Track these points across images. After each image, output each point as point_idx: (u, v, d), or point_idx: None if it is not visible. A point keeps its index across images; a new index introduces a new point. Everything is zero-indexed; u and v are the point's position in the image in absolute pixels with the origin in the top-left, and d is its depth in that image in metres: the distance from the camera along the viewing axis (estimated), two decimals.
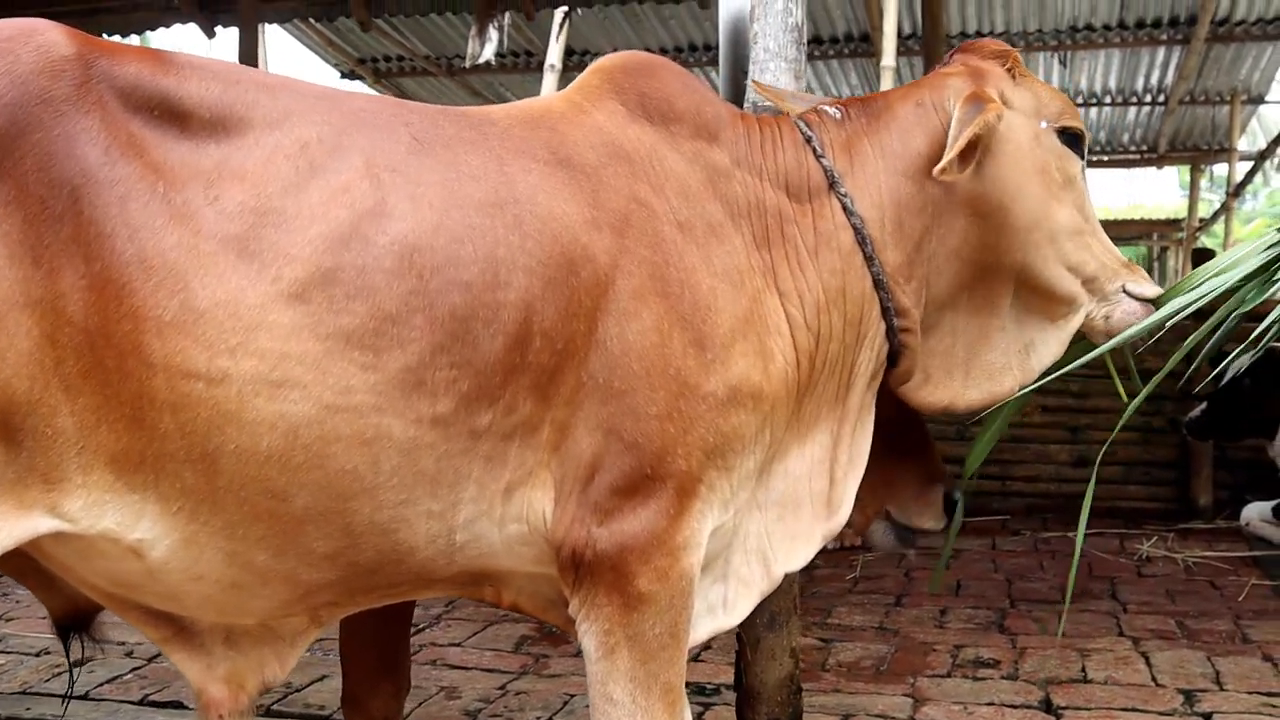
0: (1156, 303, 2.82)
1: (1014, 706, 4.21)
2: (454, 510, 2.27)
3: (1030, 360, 2.83)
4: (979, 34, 11.56)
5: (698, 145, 2.58)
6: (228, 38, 10.03)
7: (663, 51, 12.28)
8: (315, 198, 2.16)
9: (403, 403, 2.16)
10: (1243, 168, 15.18)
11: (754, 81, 3.18)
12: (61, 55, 2.07)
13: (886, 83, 7.15)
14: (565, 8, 9.79)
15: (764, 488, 2.62)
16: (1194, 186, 16.61)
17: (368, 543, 2.22)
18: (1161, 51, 11.91)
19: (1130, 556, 6.73)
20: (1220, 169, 16.64)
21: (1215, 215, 17.09)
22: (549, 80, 10.52)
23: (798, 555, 2.69)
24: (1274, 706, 4.16)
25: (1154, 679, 4.50)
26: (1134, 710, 4.15)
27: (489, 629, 5.28)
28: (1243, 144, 15.04)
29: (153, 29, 9.64)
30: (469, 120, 2.44)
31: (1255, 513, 7.05)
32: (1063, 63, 12.17)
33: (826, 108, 2.81)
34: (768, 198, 2.61)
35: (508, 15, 9.61)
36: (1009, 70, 2.79)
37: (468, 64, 9.57)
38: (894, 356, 2.75)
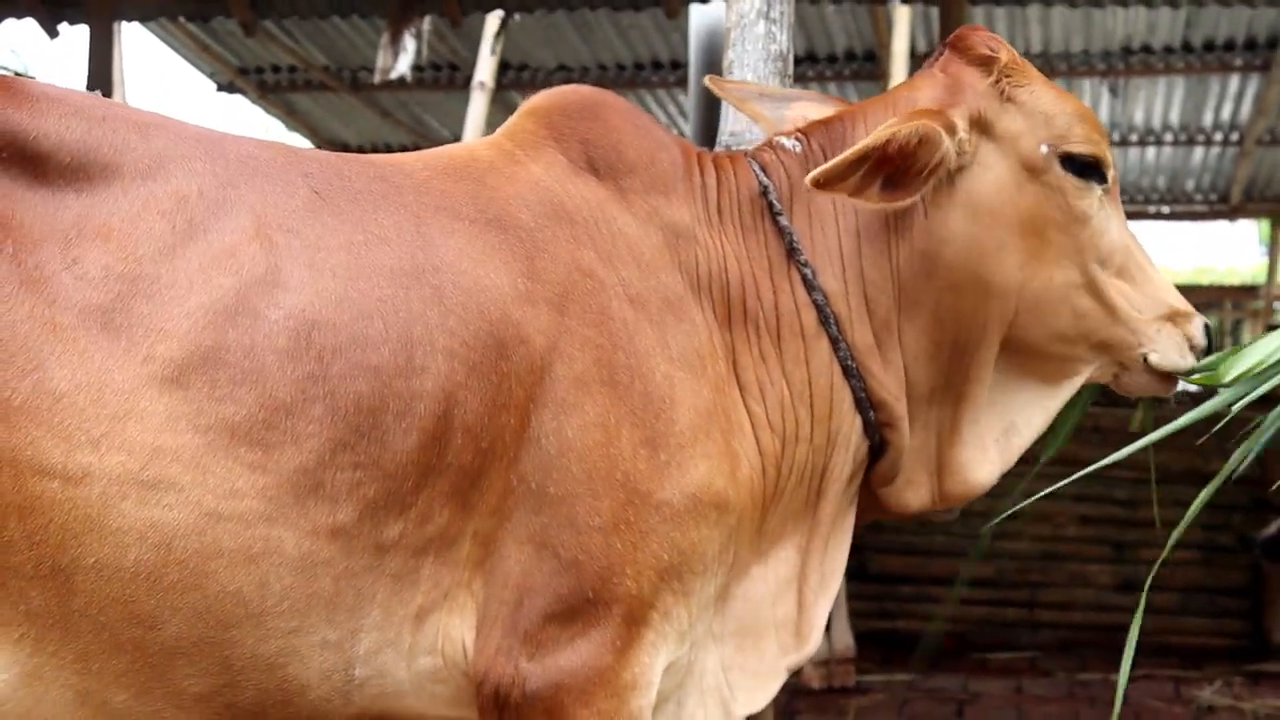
0: (1186, 376, 2.91)
1: None
2: (353, 640, 2.36)
3: (1011, 443, 2.92)
4: None
5: (653, 201, 2.70)
6: (74, 37, 10.09)
7: (620, 69, 12.50)
8: (195, 263, 2.27)
9: (297, 511, 2.26)
10: None
11: (709, 77, 3.24)
12: None
13: None
14: (500, 12, 9.98)
15: (721, 615, 2.72)
16: (1275, 244, 16.80)
17: (249, 680, 2.31)
18: (1235, 80, 12.13)
19: (1187, 705, 6.87)
20: None
21: None
22: (478, 101, 10.70)
23: (760, 694, 2.79)
24: None
25: None
26: None
27: None
28: None
29: None
30: (378, 170, 2.57)
31: None
32: (1113, 91, 12.41)
33: (784, 140, 2.89)
34: (729, 265, 2.73)
35: (427, 21, 9.76)
36: (996, 81, 2.81)
37: (377, 79, 9.71)
38: (873, 454, 2.85)
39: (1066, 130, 2.81)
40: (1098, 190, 2.84)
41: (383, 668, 2.42)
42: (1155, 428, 2.98)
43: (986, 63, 2.82)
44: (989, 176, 2.76)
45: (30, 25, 9.66)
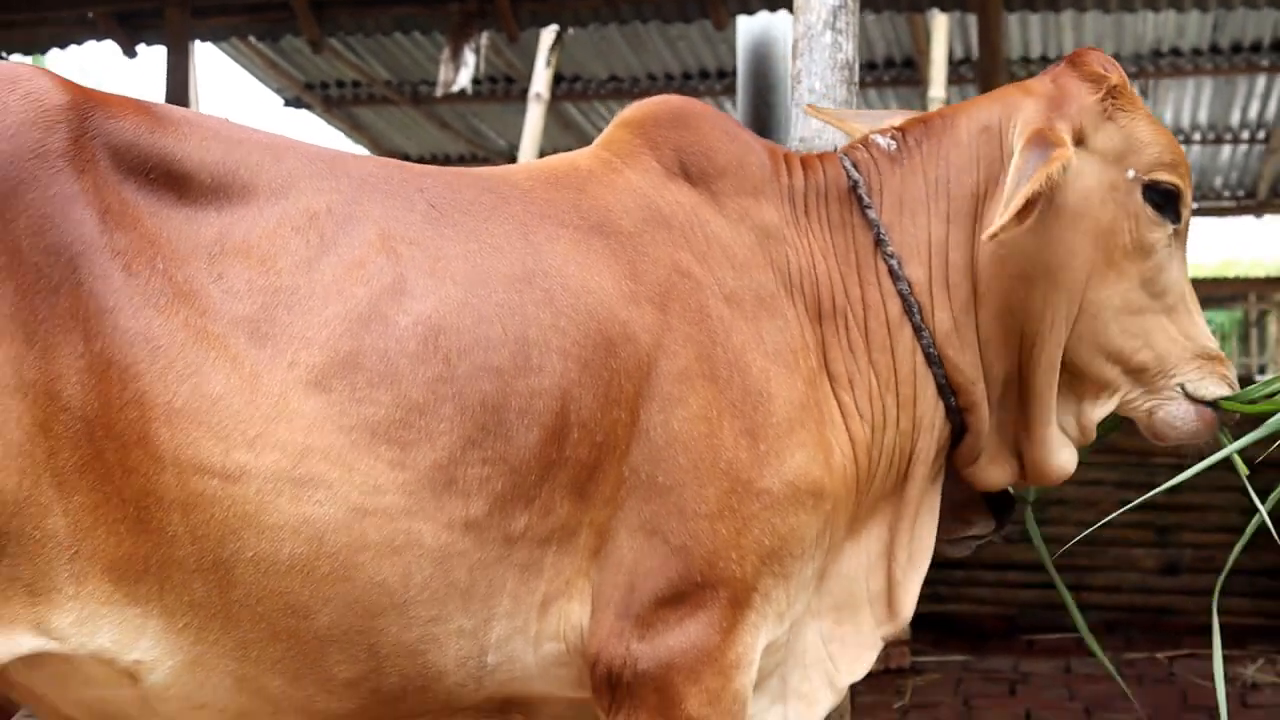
0: (1217, 405, 2.85)
1: None
2: (486, 627, 2.43)
3: (1066, 438, 2.92)
4: (1044, 59, 11.82)
5: (743, 203, 2.76)
6: (151, 57, 10.23)
7: (669, 79, 12.56)
8: (329, 274, 2.34)
9: (434, 505, 2.32)
10: None
11: (808, 106, 3.33)
12: (55, 105, 2.24)
13: None
14: (555, 27, 10.06)
15: (819, 593, 2.78)
16: None
17: (393, 666, 2.37)
18: (1262, 80, 12.16)
19: (1232, 682, 6.87)
20: None
21: None
22: (534, 111, 10.79)
23: (860, 664, 2.85)
24: None
25: None
26: None
27: None
28: None
29: (62, 46, 9.86)
30: (486, 183, 2.64)
31: None
32: (1144, 93, 12.41)
33: (878, 138, 2.93)
34: (818, 261, 2.78)
35: (485, 36, 9.85)
36: (1102, 100, 2.80)
37: (440, 92, 9.81)
38: (956, 435, 2.89)
39: (1154, 161, 2.81)
40: (1169, 228, 2.82)
41: (512, 654, 2.48)
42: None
43: (1097, 80, 2.81)
44: (1077, 184, 2.76)
45: (107, 48, 9.81)
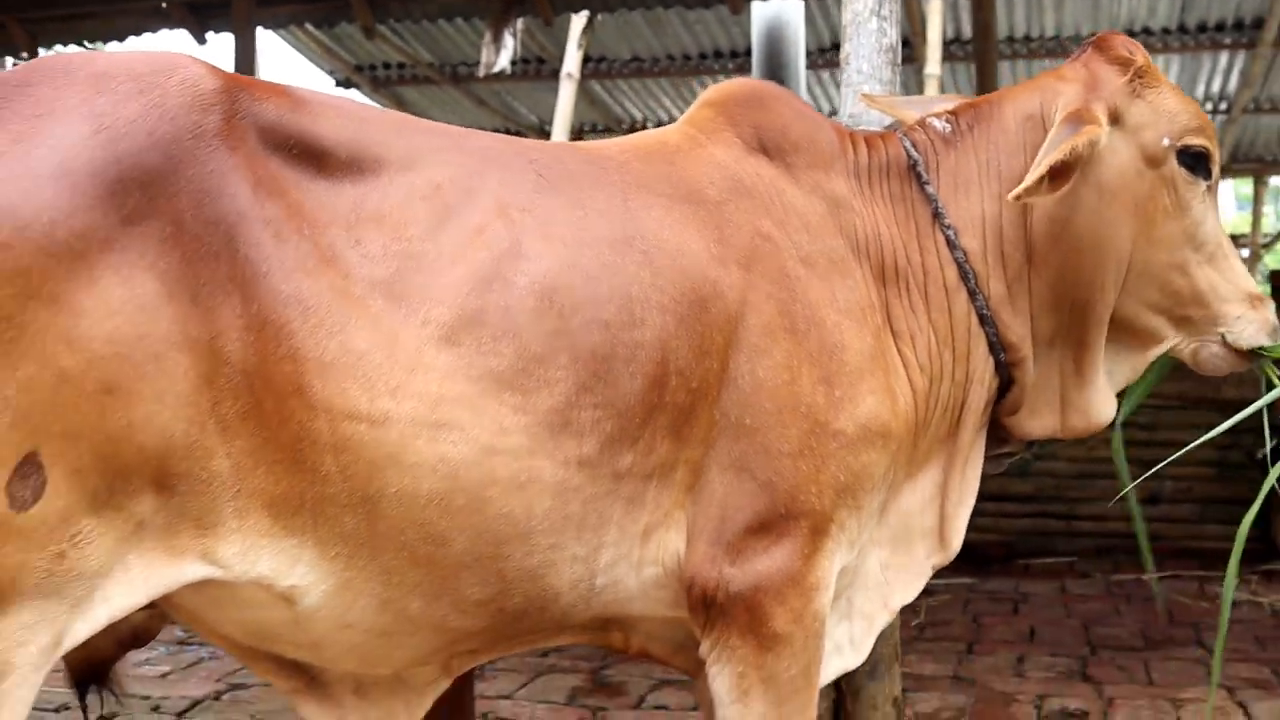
0: (1257, 353, 2.91)
1: None
2: (596, 554, 2.47)
3: (1111, 384, 2.98)
4: (1028, 38, 11.79)
5: (815, 176, 2.78)
6: (219, 44, 10.26)
7: (686, 59, 12.53)
8: (453, 240, 2.36)
9: (552, 444, 2.36)
10: None
11: (862, 95, 3.35)
12: (209, 89, 2.26)
13: (930, 90, 7.40)
14: (587, 13, 10.03)
15: (880, 525, 2.82)
16: (1257, 201, 16.83)
17: (518, 589, 2.41)
18: (1225, 56, 12.11)
19: (1211, 600, 6.93)
20: None
21: None
22: (566, 89, 10.75)
23: (912, 589, 2.91)
24: None
25: None
26: None
27: (538, 680, 5.48)
28: None
29: (138, 34, 9.83)
30: (586, 155, 2.66)
31: None
32: None
33: (934, 120, 2.97)
34: (883, 229, 2.81)
35: (520, 21, 9.82)
36: (1130, 81, 2.84)
37: (482, 73, 9.77)
38: (1002, 389, 2.93)
39: (1184, 128, 2.84)
40: (1203, 185, 2.87)
41: (617, 577, 2.52)
42: None
43: (1125, 63, 2.85)
44: (1116, 161, 2.80)
45: (179, 36, 9.80)
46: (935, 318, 2.80)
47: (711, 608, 2.54)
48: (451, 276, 2.33)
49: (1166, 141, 2.83)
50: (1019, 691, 5.25)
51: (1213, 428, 3.09)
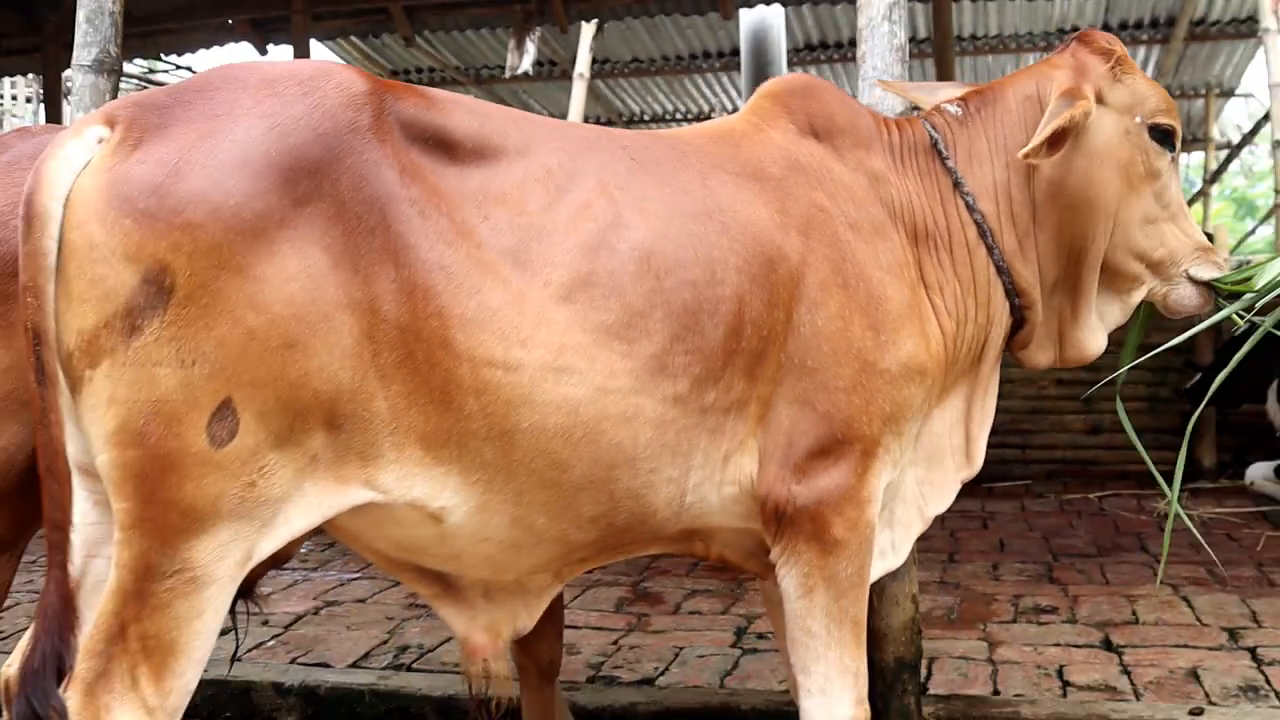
0: (1212, 284, 3.04)
1: (1078, 646, 4.50)
2: (686, 476, 2.53)
3: (1104, 324, 3.09)
4: (974, 37, 11.84)
5: (858, 155, 2.84)
6: (277, 54, 10.23)
7: (679, 59, 12.55)
8: (565, 214, 2.42)
9: (652, 384, 2.42)
10: (1217, 157, 15.47)
11: (880, 81, 3.40)
12: (360, 91, 2.31)
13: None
14: (596, 20, 10.05)
15: (916, 446, 2.89)
16: None
17: (624, 506, 2.48)
18: (1143, 50, 12.16)
19: (1149, 514, 7.04)
20: (1195, 158, 16.85)
21: (1192, 200, 17.33)
22: (578, 88, 10.78)
23: (944, 501, 3.00)
24: None
25: (1198, 619, 4.80)
26: (1186, 647, 4.45)
27: (588, 592, 5.55)
28: (1214, 134, 15.33)
29: (208, 48, 9.83)
30: (667, 142, 2.71)
31: (1259, 472, 7.40)
32: None
33: (948, 105, 3.05)
34: (914, 198, 2.87)
35: (538, 29, 9.83)
36: (1111, 68, 2.95)
37: (507, 75, 9.80)
38: (1015, 328, 3.01)
39: (1154, 108, 2.95)
40: (1168, 156, 2.98)
41: (702, 495, 2.58)
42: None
43: (1106, 54, 2.96)
44: (1101, 133, 2.90)
45: (243, 48, 9.79)
46: (960, 271, 2.87)
47: (781, 519, 2.62)
48: (565, 245, 2.39)
49: (1140, 119, 2.94)
50: (997, 592, 5.34)
51: (1143, 367, 3.26)
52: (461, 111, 2.46)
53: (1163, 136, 2.97)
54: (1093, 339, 3.03)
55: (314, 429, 2.20)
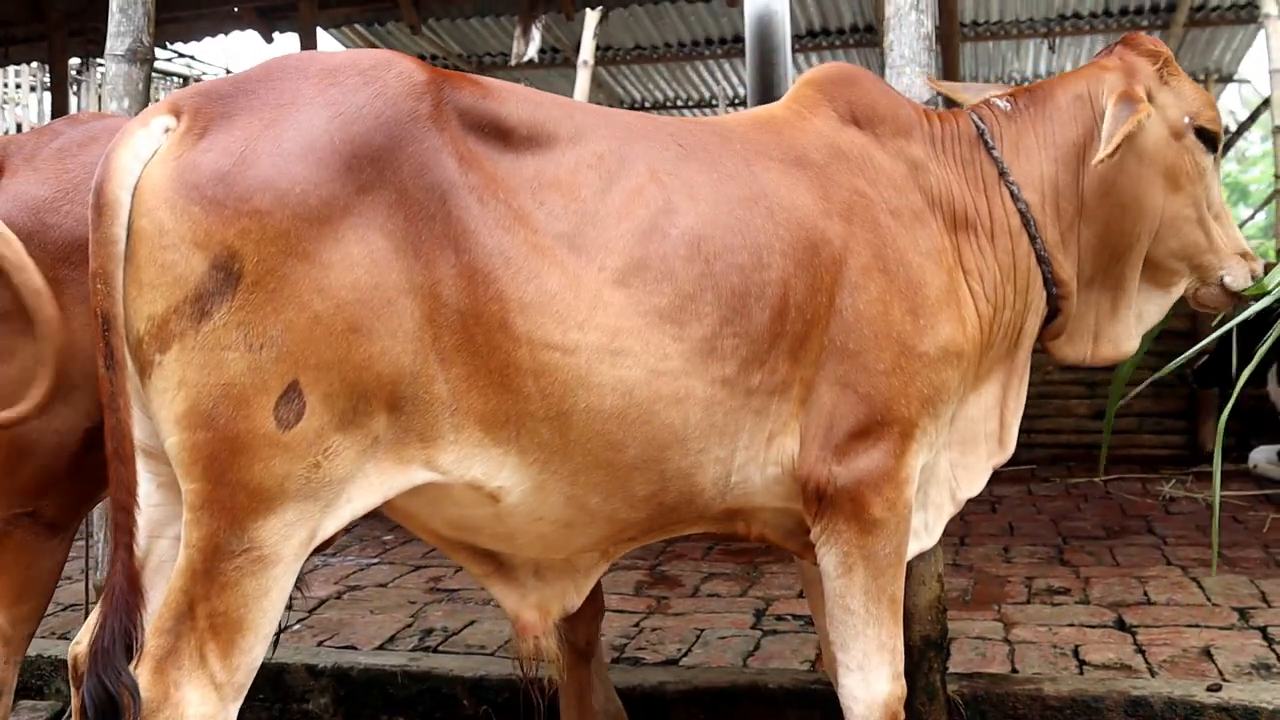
0: (1241, 295, 3.12)
1: (1092, 626, 4.57)
2: (732, 456, 2.59)
3: (1141, 324, 3.15)
4: (975, 23, 11.88)
5: (898, 143, 2.89)
6: (283, 42, 10.26)
7: (681, 46, 12.57)
8: (617, 200, 2.47)
9: (702, 367, 2.48)
10: None
11: (929, 78, 3.47)
12: (420, 80, 2.36)
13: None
14: (601, 7, 10.06)
15: (951, 430, 2.95)
16: None
17: (674, 486, 2.53)
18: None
19: (1154, 498, 7.12)
20: None
21: None
22: (583, 75, 10.74)
23: (975, 484, 3.05)
24: None
25: (1209, 600, 4.87)
26: (1197, 626, 4.51)
27: (607, 576, 5.57)
28: None
29: (213, 35, 9.85)
30: (712, 129, 2.76)
31: (1262, 456, 7.47)
32: (1051, 48, 12.49)
33: (997, 100, 3.11)
34: (954, 186, 2.92)
35: (544, 16, 9.84)
36: (1159, 70, 3.00)
37: (513, 62, 9.78)
38: (1049, 318, 3.06)
39: (1199, 110, 3.00)
40: (1211, 157, 3.03)
41: (747, 475, 2.64)
42: None
43: (1154, 56, 3.01)
44: (1150, 133, 2.95)
45: (249, 35, 9.80)
46: (1000, 258, 2.92)
47: (822, 499, 2.67)
48: (619, 230, 2.44)
49: (1187, 120, 2.99)
50: (1010, 574, 5.41)
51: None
52: (516, 99, 2.50)
53: (1207, 138, 3.03)
54: (1128, 337, 3.10)
55: (377, 411, 2.25)
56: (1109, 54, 3.10)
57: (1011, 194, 2.94)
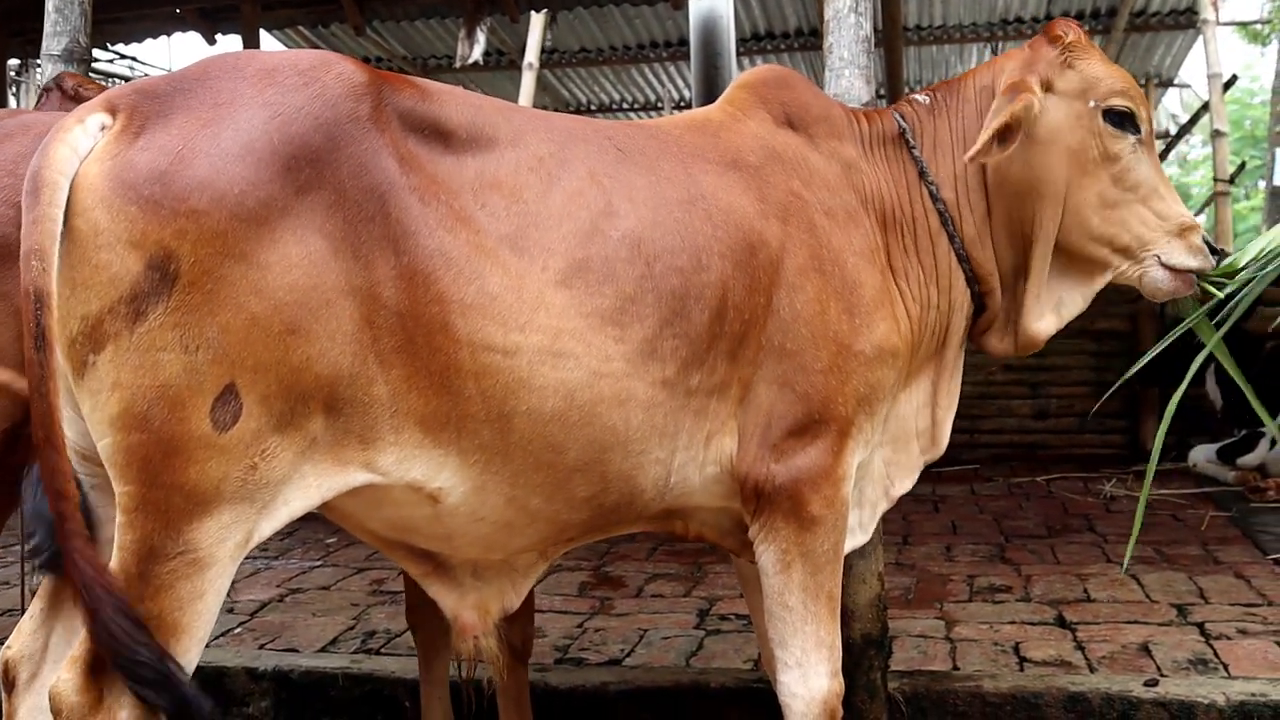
0: (1197, 273, 3.01)
1: (1033, 624, 4.63)
2: (672, 457, 2.61)
3: (1061, 313, 3.09)
4: (919, 28, 11.99)
5: (832, 144, 2.93)
6: (226, 44, 10.21)
7: (627, 49, 12.60)
8: (558, 202, 2.48)
9: (643, 368, 2.50)
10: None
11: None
12: (360, 81, 2.36)
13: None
14: (547, 10, 10.07)
15: (884, 428, 2.98)
16: None
17: (614, 487, 2.55)
18: None
19: (1095, 496, 7.21)
20: None
21: None
22: (528, 78, 10.79)
23: (908, 481, 3.09)
24: (1253, 615, 4.62)
25: (1148, 596, 4.95)
26: (1137, 623, 4.58)
27: (551, 577, 5.62)
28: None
29: (155, 37, 9.74)
30: (649, 132, 2.78)
31: (1201, 455, 7.58)
32: (994, 52, 12.63)
33: (918, 96, 3.13)
34: (883, 186, 2.95)
35: (489, 19, 9.84)
36: (1061, 53, 2.94)
37: (458, 64, 9.78)
38: (976, 314, 3.07)
39: (1108, 91, 2.94)
40: (1131, 138, 2.95)
41: (685, 476, 2.66)
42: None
43: (1057, 40, 2.96)
44: (1046, 120, 2.91)
45: (191, 37, 9.73)
46: (923, 258, 2.95)
47: (760, 497, 2.70)
48: (560, 231, 2.45)
49: (1093, 103, 2.93)
50: (952, 573, 5.46)
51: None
52: (456, 102, 2.51)
53: (1120, 119, 2.95)
54: (1042, 325, 3.04)
55: (315, 412, 2.25)
56: (1027, 43, 3.09)
57: (930, 193, 2.97)
